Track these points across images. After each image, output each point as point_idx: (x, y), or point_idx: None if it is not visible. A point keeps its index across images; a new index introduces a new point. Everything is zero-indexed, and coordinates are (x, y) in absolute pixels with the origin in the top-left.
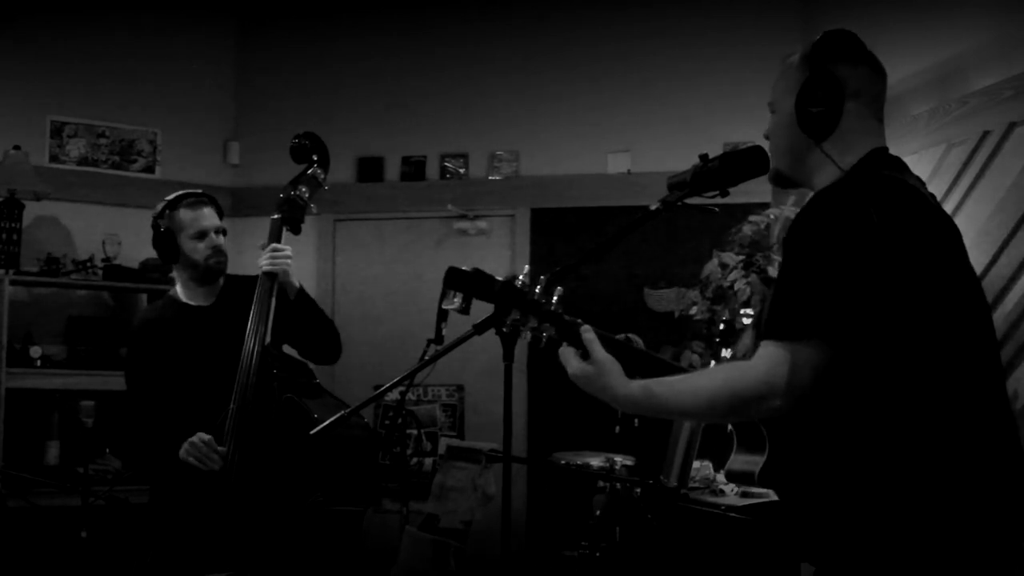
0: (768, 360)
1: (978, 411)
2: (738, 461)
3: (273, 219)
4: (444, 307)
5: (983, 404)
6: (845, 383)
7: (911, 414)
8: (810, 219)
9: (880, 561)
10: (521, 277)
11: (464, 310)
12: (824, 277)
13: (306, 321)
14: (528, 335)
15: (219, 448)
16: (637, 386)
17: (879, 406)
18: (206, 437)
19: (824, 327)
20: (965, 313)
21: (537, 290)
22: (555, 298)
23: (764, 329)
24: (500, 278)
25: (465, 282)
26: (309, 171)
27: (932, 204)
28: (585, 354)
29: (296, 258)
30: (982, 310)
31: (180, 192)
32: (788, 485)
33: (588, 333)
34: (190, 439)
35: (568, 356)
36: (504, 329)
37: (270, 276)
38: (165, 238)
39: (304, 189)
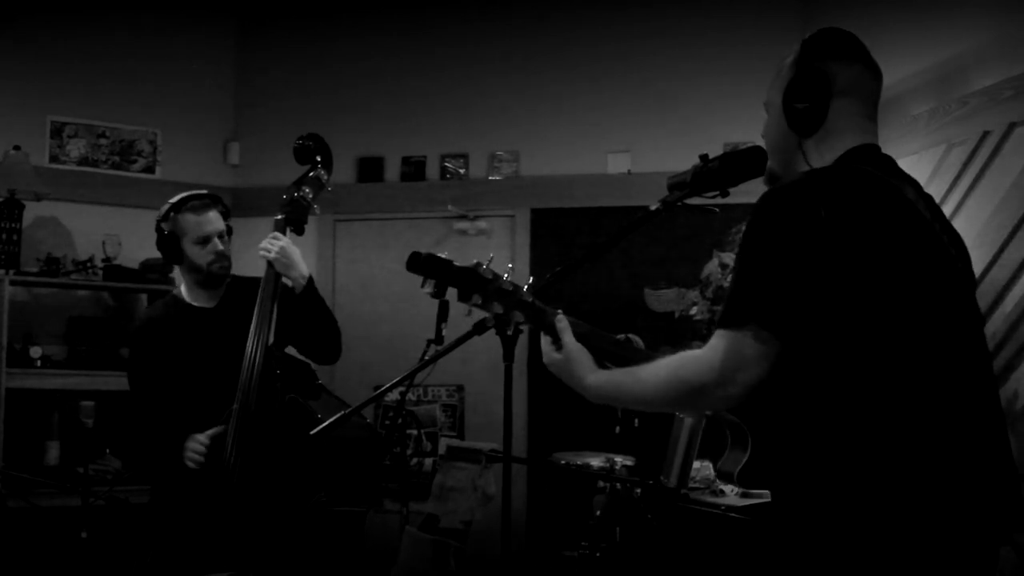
0: (713, 349)
1: (944, 403)
2: (727, 460)
3: (277, 219)
4: (423, 290)
5: (949, 397)
6: (808, 379)
7: (868, 408)
8: (760, 211)
9: (849, 559)
10: (486, 264)
11: (437, 295)
12: (764, 267)
13: (309, 315)
14: (492, 321)
15: (210, 432)
16: (601, 375)
17: (839, 402)
18: (199, 437)
19: (761, 315)
20: (930, 308)
21: (505, 277)
22: (525, 287)
23: (716, 322)
24: (460, 263)
25: (424, 266)
26: (312, 172)
27: (906, 201)
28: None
29: (285, 244)
30: (958, 306)
31: (184, 194)
32: (765, 484)
33: (561, 322)
34: (186, 443)
35: (543, 345)
36: (467, 313)
37: (269, 265)
38: (169, 241)
39: (308, 190)
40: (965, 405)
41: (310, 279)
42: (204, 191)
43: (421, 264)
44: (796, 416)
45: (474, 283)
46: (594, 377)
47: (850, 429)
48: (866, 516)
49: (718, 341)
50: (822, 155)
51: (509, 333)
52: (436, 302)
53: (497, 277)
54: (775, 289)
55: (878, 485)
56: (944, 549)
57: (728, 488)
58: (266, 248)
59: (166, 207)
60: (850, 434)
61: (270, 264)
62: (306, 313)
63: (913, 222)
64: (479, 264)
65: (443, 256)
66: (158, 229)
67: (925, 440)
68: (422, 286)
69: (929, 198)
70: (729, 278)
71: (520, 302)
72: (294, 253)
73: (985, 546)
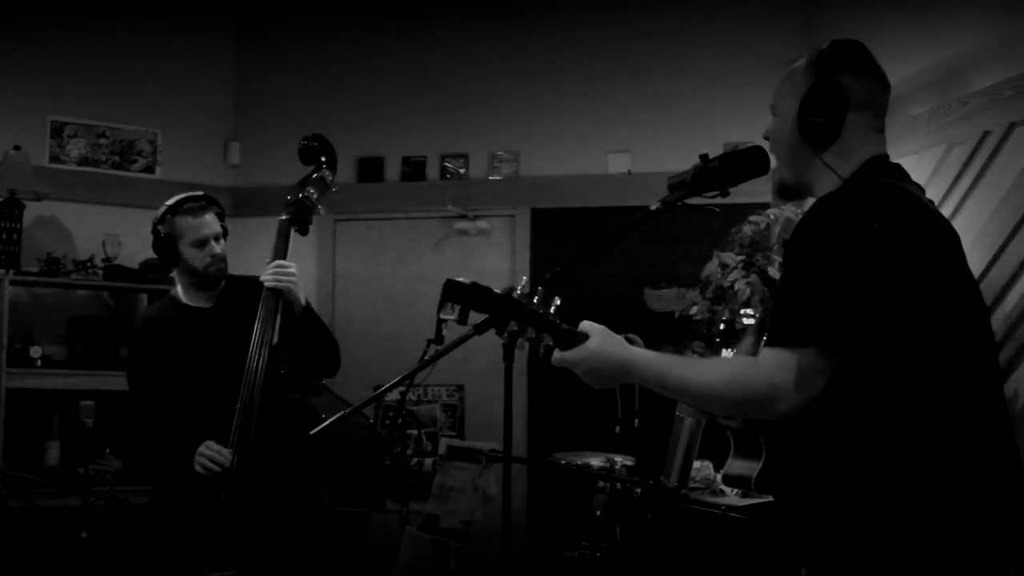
0: (774, 363)
1: (976, 417)
2: (735, 466)
3: (281, 220)
4: (442, 317)
5: (981, 410)
6: (845, 389)
7: (910, 420)
8: (812, 226)
9: (876, 567)
10: (519, 288)
11: (462, 321)
12: (827, 284)
13: (308, 336)
14: (526, 345)
15: (226, 450)
16: (647, 352)
17: (878, 413)
18: (213, 445)
19: (828, 334)
20: (964, 319)
21: (535, 300)
22: (552, 308)
23: (768, 336)
24: (498, 290)
25: (463, 294)
26: (317, 173)
27: (931, 211)
28: None
29: (296, 259)
30: (980, 314)
31: (180, 197)
32: (786, 490)
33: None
34: (199, 450)
35: (565, 355)
36: (502, 341)
37: (274, 292)
38: (165, 243)
39: (312, 191)
40: (991, 415)
41: (307, 302)
42: (200, 193)
43: (462, 292)
44: (830, 425)
45: (511, 310)
46: (638, 353)
47: (891, 439)
48: (903, 525)
49: (780, 356)
50: (840, 168)
51: (540, 355)
52: (436, 302)
53: (529, 301)
54: (840, 309)
55: (916, 495)
56: (971, 557)
57: (728, 488)
58: (278, 279)
59: (162, 209)
60: (890, 444)
61: (271, 290)
62: (306, 332)
63: (941, 232)
64: (512, 289)
65: (482, 284)
66: (154, 231)
67: (962, 450)
68: (439, 311)
69: (931, 203)
70: (729, 277)
71: (548, 324)
72: (298, 279)
73: (1003, 554)
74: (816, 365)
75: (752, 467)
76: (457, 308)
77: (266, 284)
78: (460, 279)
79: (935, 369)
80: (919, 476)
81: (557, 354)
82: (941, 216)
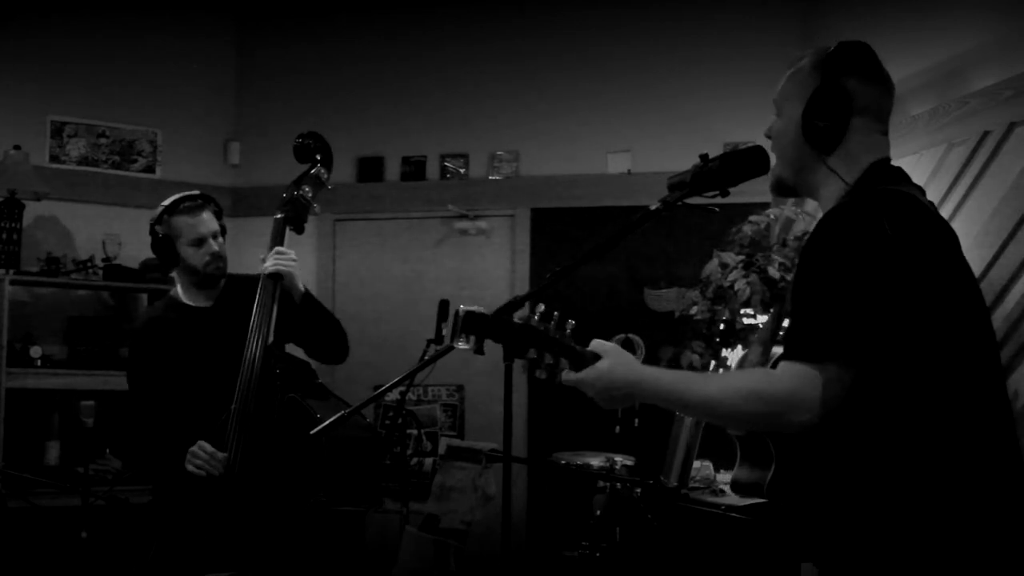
0: (796, 377)
1: (985, 420)
2: (743, 474)
3: (276, 218)
4: (457, 346)
5: (989, 413)
6: (861, 396)
7: (924, 425)
8: (827, 237)
9: (892, 570)
10: (537, 316)
11: (478, 350)
12: (846, 298)
13: (313, 323)
14: (544, 373)
15: (220, 454)
16: (661, 370)
17: (893, 418)
18: (207, 446)
19: (849, 348)
20: (969, 322)
21: (552, 324)
22: (568, 331)
23: (787, 349)
24: (518, 320)
25: (482, 326)
26: (312, 171)
27: (934, 214)
28: None
29: (297, 258)
30: (983, 316)
31: (177, 196)
32: (800, 497)
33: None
34: (191, 449)
35: (578, 376)
36: (523, 371)
37: (274, 278)
38: (163, 244)
39: (307, 188)
40: (996, 417)
41: (306, 290)
42: (196, 192)
43: (482, 324)
44: (846, 432)
45: (532, 339)
46: (650, 372)
47: (905, 444)
48: (919, 529)
49: (801, 370)
50: (845, 172)
51: (557, 381)
52: (436, 301)
53: (547, 327)
54: (859, 323)
55: (932, 500)
56: (984, 562)
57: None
58: (279, 264)
59: (159, 210)
60: (905, 449)
61: (271, 275)
62: (310, 319)
63: (945, 235)
64: (532, 316)
65: (501, 316)
66: (152, 232)
67: (978, 452)
68: (452, 341)
69: (932, 204)
70: (729, 277)
71: (565, 348)
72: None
73: (1017, 560)
74: (837, 379)
75: (762, 474)
76: (473, 338)
77: (267, 271)
78: (478, 309)
79: (946, 374)
80: (933, 481)
81: (568, 374)
82: (941, 217)
